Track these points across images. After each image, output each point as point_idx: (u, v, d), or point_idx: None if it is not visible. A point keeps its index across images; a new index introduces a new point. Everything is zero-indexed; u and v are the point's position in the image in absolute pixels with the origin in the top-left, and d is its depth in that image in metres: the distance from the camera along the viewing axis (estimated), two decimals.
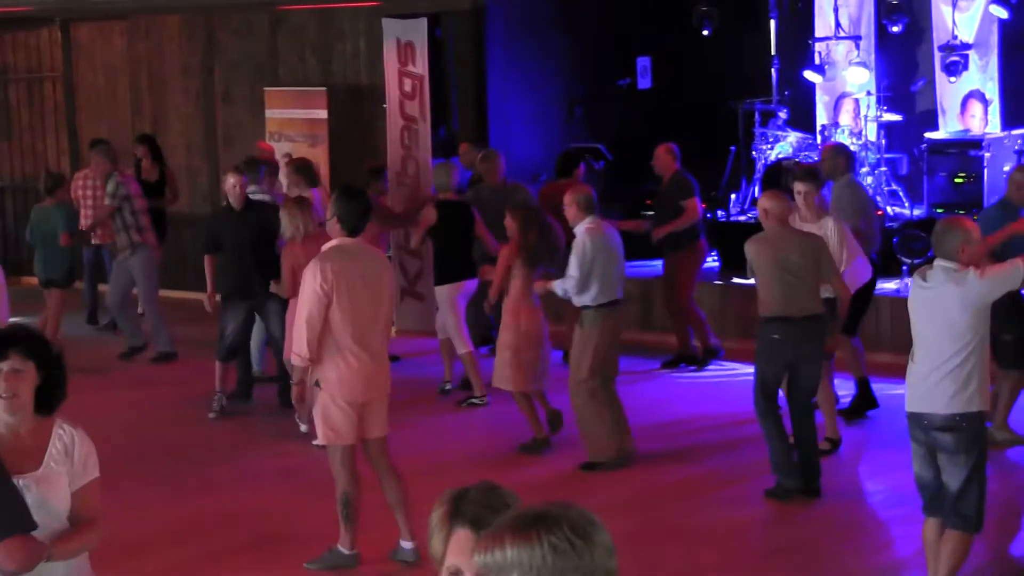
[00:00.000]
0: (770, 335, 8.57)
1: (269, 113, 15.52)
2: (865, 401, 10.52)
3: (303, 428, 10.18)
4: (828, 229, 9.16)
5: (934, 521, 6.82)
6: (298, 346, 7.52)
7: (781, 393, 8.75)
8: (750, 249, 8.75)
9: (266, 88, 15.64)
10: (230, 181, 11.14)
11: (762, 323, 8.67)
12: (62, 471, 4.50)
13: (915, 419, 6.76)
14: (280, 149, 15.16)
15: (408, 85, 13.95)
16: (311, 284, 7.43)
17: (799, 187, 9.33)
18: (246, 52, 16.07)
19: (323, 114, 15.12)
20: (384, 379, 7.67)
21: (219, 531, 8.46)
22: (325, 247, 7.65)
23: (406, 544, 7.74)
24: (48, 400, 4.54)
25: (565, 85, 14.93)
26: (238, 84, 16.19)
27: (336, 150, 14.90)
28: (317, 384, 7.53)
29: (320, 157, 14.97)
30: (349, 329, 7.43)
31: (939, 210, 13.40)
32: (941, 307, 6.62)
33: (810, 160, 14.02)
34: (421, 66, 13.80)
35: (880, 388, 10.56)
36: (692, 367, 12.30)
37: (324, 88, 15.21)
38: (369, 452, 7.71)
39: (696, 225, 12.24)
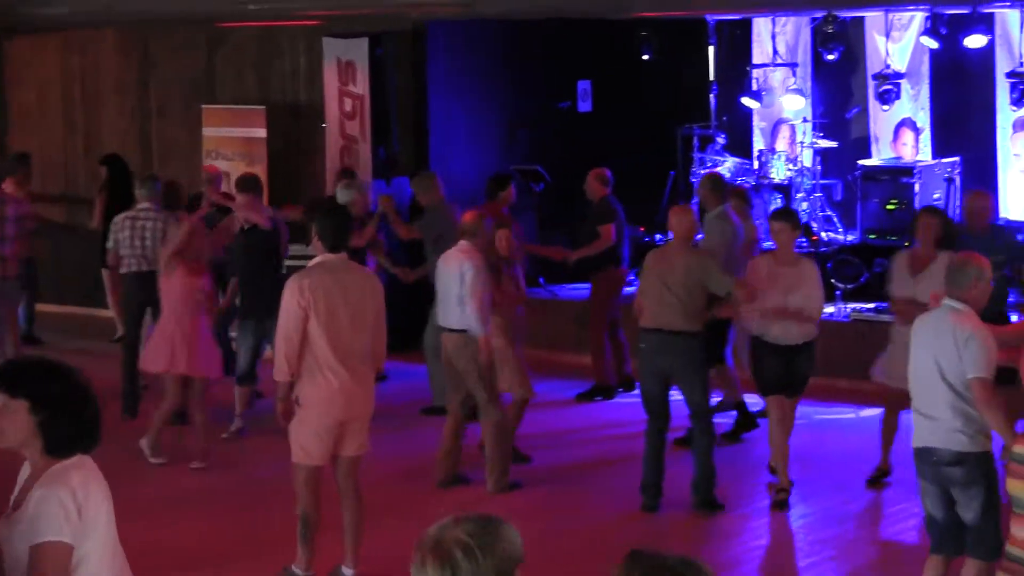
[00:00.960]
0: (641, 344, 8.92)
1: (206, 131, 15.41)
2: (745, 423, 10.72)
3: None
4: (805, 272, 9.14)
5: (938, 559, 6.76)
6: (277, 361, 7.49)
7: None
8: (646, 259, 9.13)
9: (203, 106, 15.55)
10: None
11: (639, 333, 8.99)
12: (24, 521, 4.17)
13: (922, 455, 6.66)
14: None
15: (348, 105, 13.95)
16: (289, 299, 7.42)
17: (773, 226, 9.33)
18: (183, 69, 15.96)
19: (261, 133, 15.03)
20: (366, 399, 7.60)
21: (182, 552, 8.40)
22: (310, 264, 7.64)
23: (347, 571, 7.71)
24: (53, 441, 4.18)
25: (506, 107, 14.99)
26: (174, 101, 16.08)
27: (274, 169, 14.82)
28: (297, 401, 7.50)
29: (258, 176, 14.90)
30: (328, 346, 7.38)
31: (872, 236, 13.63)
32: (940, 348, 6.53)
33: (747, 184, 14.20)
34: (362, 86, 13.80)
35: (813, 411, 10.84)
36: (602, 397, 12.12)
37: (263, 107, 15.14)
38: (339, 469, 7.66)
39: (613, 251, 12.08)
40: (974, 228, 9.74)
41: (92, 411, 4.24)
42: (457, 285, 9.23)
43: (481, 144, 14.77)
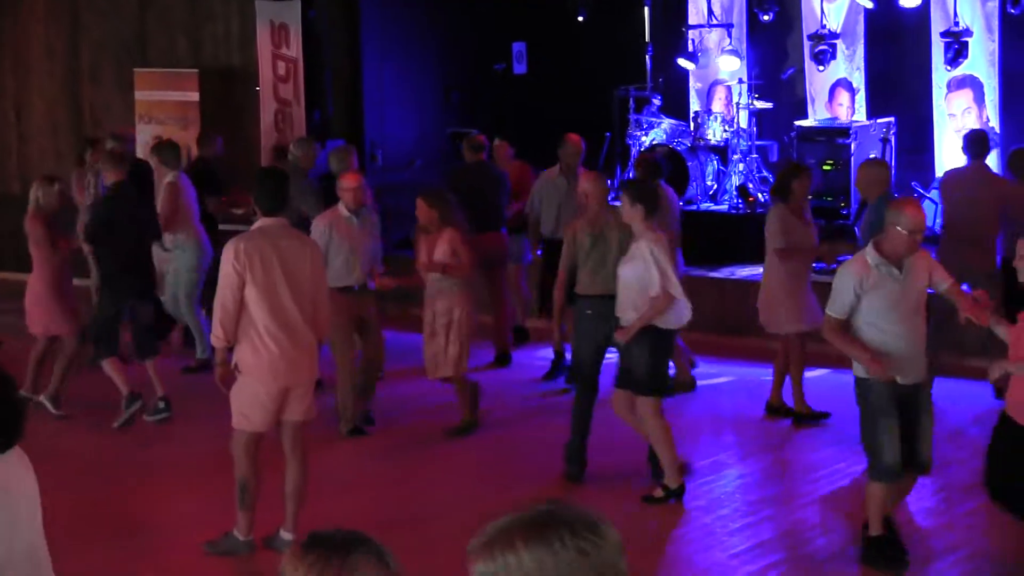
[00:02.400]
0: (587, 311, 8.69)
1: (139, 95, 15.22)
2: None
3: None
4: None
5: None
6: (214, 326, 7.40)
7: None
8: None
9: (135, 69, 15.34)
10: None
11: (581, 299, 8.77)
12: None
13: None
14: (150, 132, 14.90)
15: (282, 68, 13.80)
16: (224, 263, 7.34)
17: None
18: (113, 33, 15.74)
19: (194, 96, 14.88)
20: (309, 366, 7.50)
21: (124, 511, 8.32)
22: (252, 227, 7.56)
23: (286, 535, 7.66)
24: None
25: (441, 70, 14.89)
26: (105, 65, 15.86)
27: (210, 132, 14.65)
28: (236, 368, 7.41)
29: (191, 140, 14.74)
30: (267, 311, 7.29)
31: (808, 197, 13.63)
32: None
33: (682, 146, 14.20)
34: (295, 49, 13.66)
35: (748, 372, 10.86)
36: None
37: (195, 70, 14.96)
38: (284, 434, 7.59)
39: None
40: (869, 197, 9.62)
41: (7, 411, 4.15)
42: None
43: (416, 107, 14.68)
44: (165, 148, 11.79)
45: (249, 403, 7.42)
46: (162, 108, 15.09)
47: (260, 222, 7.48)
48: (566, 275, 8.85)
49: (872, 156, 13.44)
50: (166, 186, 11.34)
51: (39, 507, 4.31)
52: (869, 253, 7.07)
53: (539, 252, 11.77)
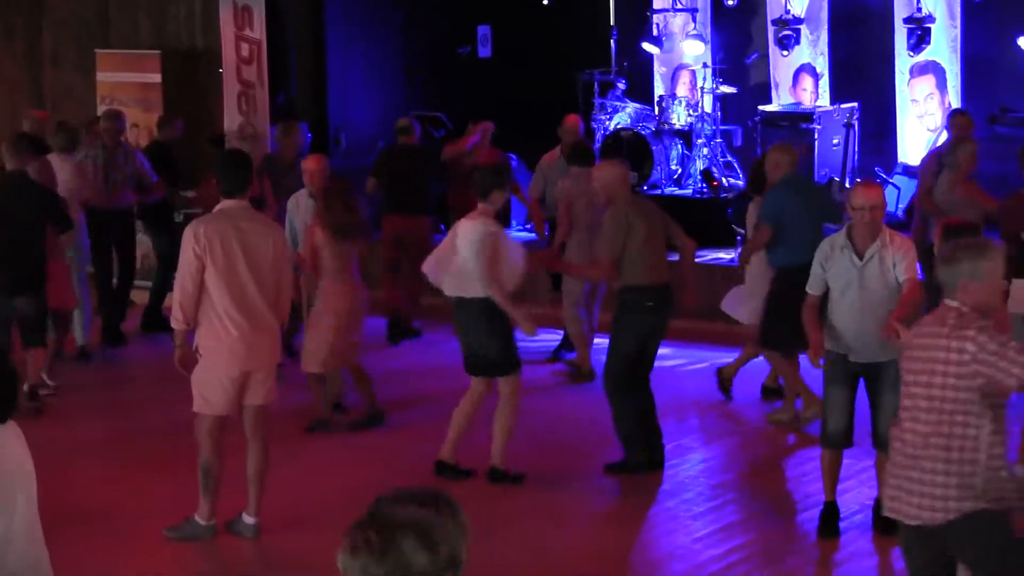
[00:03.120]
0: (648, 303, 8.43)
1: (101, 77, 15.09)
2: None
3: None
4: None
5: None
6: (174, 309, 7.36)
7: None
8: (626, 212, 8.49)
9: (97, 51, 15.21)
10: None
11: (632, 290, 8.47)
12: None
13: None
14: None
15: (245, 50, 13.69)
16: (185, 246, 7.30)
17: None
18: (75, 13, 15.60)
19: (157, 78, 14.76)
20: (271, 349, 7.47)
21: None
22: (214, 210, 7.51)
23: (248, 519, 7.64)
24: None
25: (406, 53, 14.84)
26: (67, 46, 15.72)
27: (170, 115, 14.55)
28: (197, 350, 7.38)
29: (154, 123, 14.65)
30: (227, 295, 7.25)
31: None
32: None
33: (647, 131, 14.22)
34: (259, 30, 13.55)
35: (713, 357, 10.93)
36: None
37: (158, 51, 14.86)
38: (245, 418, 7.56)
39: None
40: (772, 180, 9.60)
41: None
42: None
43: (381, 90, 14.63)
44: (57, 134, 11.57)
45: (210, 387, 7.40)
46: (124, 90, 14.96)
47: (221, 204, 7.44)
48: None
49: (835, 142, 13.55)
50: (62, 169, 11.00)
51: (35, 483, 4.27)
52: (839, 234, 7.25)
53: (546, 232, 11.81)
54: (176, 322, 7.36)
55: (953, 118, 11.26)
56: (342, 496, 8.26)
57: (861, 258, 7.10)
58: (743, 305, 9.89)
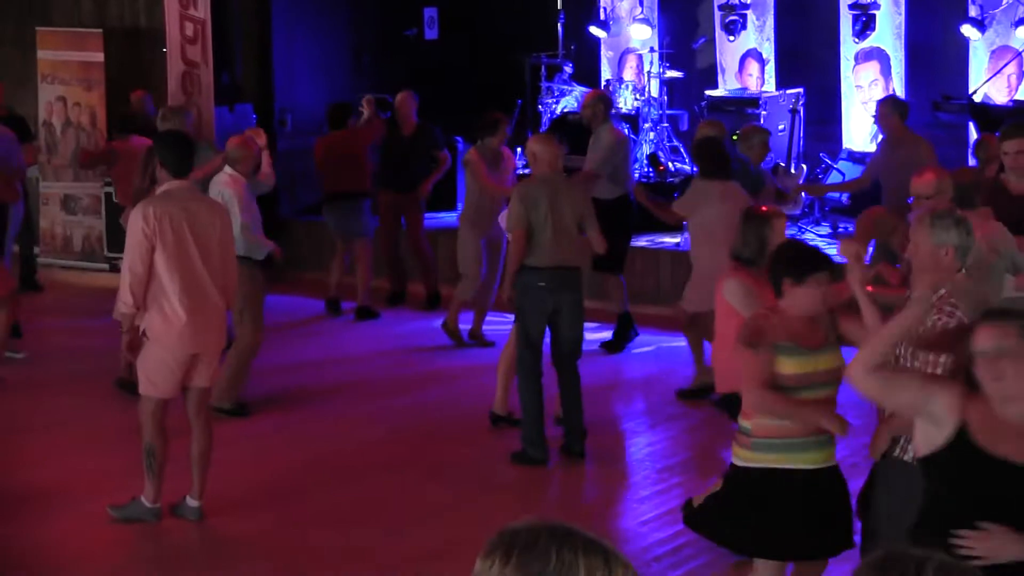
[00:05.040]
0: (540, 283, 8.40)
1: (41, 55, 14.89)
2: (624, 335, 10.90)
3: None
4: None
5: None
6: (122, 292, 7.26)
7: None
8: (525, 192, 8.50)
9: (38, 28, 15.01)
10: None
11: (528, 271, 8.44)
12: None
13: None
14: (54, 92, 14.62)
15: (190, 29, 13.55)
16: (134, 228, 7.20)
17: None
18: None
19: (99, 57, 14.59)
20: (217, 331, 7.42)
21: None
22: (158, 191, 7.40)
23: (192, 502, 7.59)
24: None
25: (352, 34, 14.74)
26: (6, 23, 15.50)
27: (113, 95, 14.39)
28: (144, 333, 7.29)
29: (96, 102, 14.49)
30: (177, 277, 7.18)
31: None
32: None
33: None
34: (203, 10, 13.41)
35: (659, 340, 10.99)
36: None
37: (100, 30, 14.68)
38: (189, 401, 7.50)
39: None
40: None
41: None
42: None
43: (327, 71, 14.54)
44: None
45: (156, 369, 7.33)
46: (66, 68, 14.78)
47: (167, 185, 7.34)
48: None
49: (780, 128, 13.60)
50: None
51: None
52: None
53: None
54: (126, 306, 7.27)
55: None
56: (286, 479, 8.24)
57: None
58: (695, 291, 9.83)
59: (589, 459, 8.61)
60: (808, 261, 5.53)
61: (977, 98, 12.66)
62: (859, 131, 13.78)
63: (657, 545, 7.31)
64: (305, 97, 13.86)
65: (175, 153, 7.38)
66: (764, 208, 7.23)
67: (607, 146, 10.64)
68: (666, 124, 14.24)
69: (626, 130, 14.37)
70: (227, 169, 9.36)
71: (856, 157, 13.29)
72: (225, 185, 9.20)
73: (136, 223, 7.19)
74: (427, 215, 13.16)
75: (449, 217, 14.06)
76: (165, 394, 7.39)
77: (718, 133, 10.20)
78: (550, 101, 14.59)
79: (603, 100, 11.12)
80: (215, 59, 13.49)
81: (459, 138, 14.24)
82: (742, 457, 5.66)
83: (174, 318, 7.23)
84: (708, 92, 14.19)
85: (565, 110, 14.40)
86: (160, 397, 7.39)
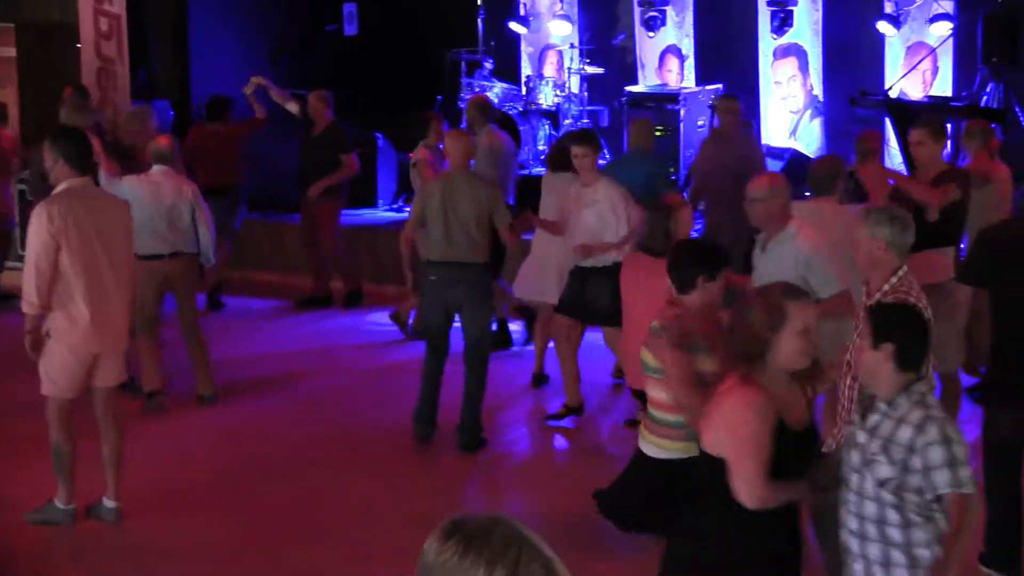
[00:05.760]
0: (431, 277, 8.59)
1: None
2: (503, 341, 10.87)
3: None
4: (601, 192, 8.82)
5: None
6: (27, 293, 7.11)
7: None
8: (427, 188, 8.73)
9: None
10: None
11: (426, 265, 8.67)
12: None
13: None
14: None
15: (104, 24, 13.39)
16: (38, 228, 7.05)
17: (575, 150, 8.90)
18: None
19: (11, 52, 14.36)
20: (120, 329, 7.32)
21: None
22: (56, 190, 7.26)
23: (109, 503, 7.49)
24: None
25: (271, 30, 14.61)
26: None
27: (26, 91, 14.18)
28: (47, 333, 7.16)
29: (9, 98, 14.24)
30: (83, 276, 7.06)
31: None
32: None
33: (514, 110, 14.20)
34: (118, 4, 13.25)
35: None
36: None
37: (11, 25, 14.44)
38: (96, 401, 7.39)
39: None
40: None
41: None
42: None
43: (246, 67, 14.36)
44: None
45: (57, 369, 7.22)
46: None
47: (68, 183, 7.15)
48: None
49: (700, 123, 13.67)
50: None
51: None
52: None
53: None
54: (31, 307, 7.12)
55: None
56: (204, 479, 8.15)
57: (763, 249, 7.13)
58: (534, 282, 9.83)
59: (507, 452, 8.61)
60: (720, 258, 5.73)
61: (893, 94, 12.79)
62: (777, 127, 13.89)
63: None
64: (223, 92, 13.68)
65: (78, 150, 7.22)
66: (669, 200, 7.29)
67: (483, 152, 10.58)
68: (586, 120, 14.26)
69: (546, 127, 14.41)
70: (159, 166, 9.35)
71: (775, 153, 13.39)
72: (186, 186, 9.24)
73: (40, 222, 7.04)
74: (348, 212, 13.08)
75: (370, 214, 14.01)
76: (68, 394, 7.28)
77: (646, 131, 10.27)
78: (470, 98, 14.53)
79: (478, 106, 11.04)
80: (131, 55, 13.33)
81: (379, 134, 14.17)
82: (667, 448, 5.67)
83: (79, 317, 7.12)
84: (628, 88, 14.22)
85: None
86: (63, 397, 7.28)
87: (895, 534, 4.29)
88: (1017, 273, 6.49)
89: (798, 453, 4.36)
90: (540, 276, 9.74)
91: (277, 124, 12.61)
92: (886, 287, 5.46)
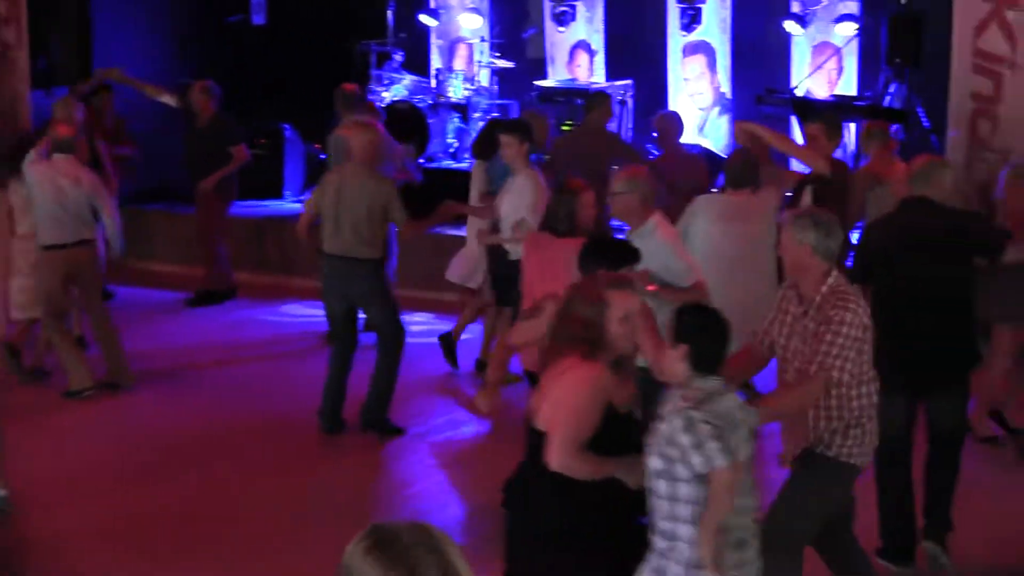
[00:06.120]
0: (325, 268, 8.75)
1: None
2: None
3: None
4: (518, 183, 8.86)
5: None
6: None
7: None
8: (324, 179, 8.92)
9: None
10: None
11: (324, 256, 8.74)
12: None
13: None
14: None
15: (3, 8, 13.09)
16: None
17: (501, 138, 9.02)
18: None
19: None
20: None
21: None
22: None
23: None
24: None
25: (177, 19, 14.40)
26: None
27: None
28: None
29: None
30: None
31: (546, 156, 13.74)
32: None
33: (424, 103, 14.12)
34: None
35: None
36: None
37: None
38: None
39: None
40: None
41: None
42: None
43: (149, 56, 14.16)
44: None
45: None
46: None
47: None
48: None
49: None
50: None
51: None
52: None
53: None
54: None
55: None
56: (91, 471, 8.05)
57: None
58: (465, 269, 10.03)
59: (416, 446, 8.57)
60: (628, 251, 5.94)
61: (799, 92, 12.90)
62: (686, 123, 13.89)
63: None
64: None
65: None
66: (572, 183, 7.35)
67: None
68: (496, 114, 14.20)
69: (456, 120, 14.35)
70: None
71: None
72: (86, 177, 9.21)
73: None
74: (256, 204, 13.00)
75: (277, 205, 13.89)
76: None
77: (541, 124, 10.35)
78: (379, 89, 14.45)
79: (340, 96, 11.10)
80: (31, 41, 13.06)
81: (287, 126, 14.04)
82: None
83: None
84: (538, 82, 14.20)
85: (395, 99, 14.27)
86: None
87: (679, 511, 4.46)
88: (904, 267, 6.61)
89: (618, 434, 4.68)
90: (469, 261, 9.96)
91: (171, 114, 12.46)
92: (824, 289, 5.50)
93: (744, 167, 8.40)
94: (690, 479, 4.40)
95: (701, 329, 4.53)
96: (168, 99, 12.12)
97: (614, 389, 4.70)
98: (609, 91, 13.81)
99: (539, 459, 4.74)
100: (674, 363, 4.52)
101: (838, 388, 5.49)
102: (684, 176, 10.06)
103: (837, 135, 9.06)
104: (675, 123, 10.77)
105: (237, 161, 11.99)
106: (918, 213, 6.75)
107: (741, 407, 4.57)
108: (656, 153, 13.45)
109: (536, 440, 4.80)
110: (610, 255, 5.86)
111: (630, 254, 5.94)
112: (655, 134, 11.43)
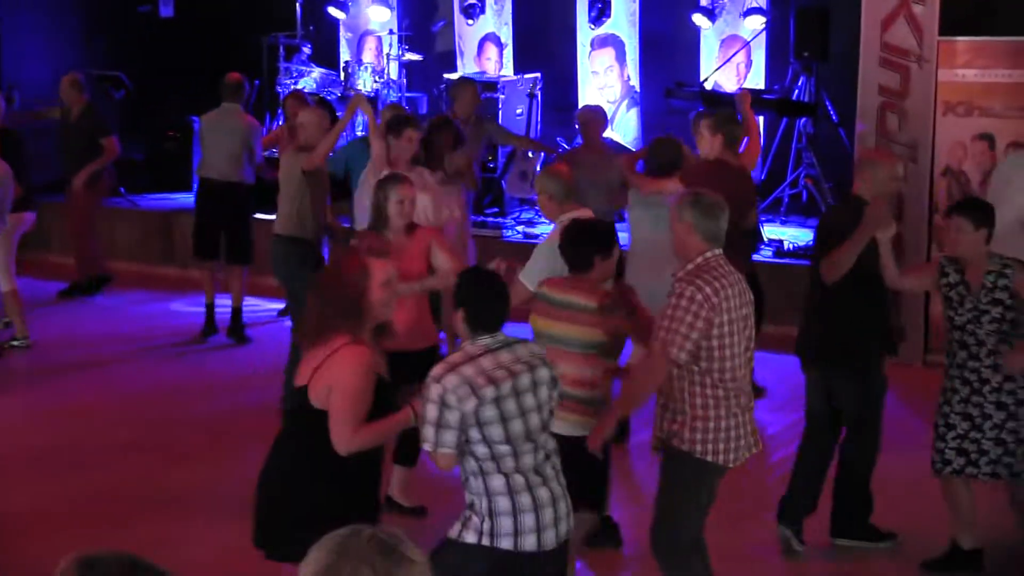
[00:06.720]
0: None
1: None
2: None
3: None
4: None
5: None
6: None
7: None
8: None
9: None
10: None
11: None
12: None
13: None
14: None
15: None
16: None
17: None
18: None
19: None
20: None
21: None
22: None
23: None
24: None
25: (84, 9, 14.21)
26: None
27: None
28: None
29: None
30: None
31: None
32: None
33: (332, 96, 14.09)
34: None
35: None
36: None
37: None
38: None
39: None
40: None
41: None
42: None
43: (58, 47, 13.99)
44: None
45: None
46: None
47: None
48: None
49: (519, 112, 13.78)
50: None
51: None
52: None
53: None
54: None
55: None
56: (27, 465, 7.95)
57: None
58: None
59: None
60: (609, 236, 6.07)
61: (708, 85, 13.09)
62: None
63: None
64: (35, 73, 13.30)
65: None
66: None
67: None
68: (405, 107, 14.20)
69: None
70: None
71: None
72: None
73: None
74: (163, 196, 12.89)
75: (185, 198, 13.74)
76: None
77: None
78: (288, 82, 14.39)
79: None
80: None
81: (195, 118, 13.91)
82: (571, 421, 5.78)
83: None
84: (447, 75, 14.24)
85: (304, 91, 14.20)
86: None
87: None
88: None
89: (382, 399, 4.91)
90: None
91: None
92: (690, 266, 5.47)
93: (672, 157, 8.51)
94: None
95: (474, 290, 4.82)
96: None
97: (377, 360, 4.97)
98: (518, 84, 13.98)
99: (303, 433, 4.94)
100: (457, 324, 4.80)
101: (679, 371, 5.43)
102: (604, 170, 10.17)
103: (719, 131, 9.12)
104: (598, 116, 10.85)
105: (108, 154, 11.89)
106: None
107: (532, 352, 4.78)
108: (567, 147, 13.62)
109: (306, 413, 4.90)
110: (602, 239, 6.00)
111: (614, 237, 6.14)
112: (577, 126, 11.49)
